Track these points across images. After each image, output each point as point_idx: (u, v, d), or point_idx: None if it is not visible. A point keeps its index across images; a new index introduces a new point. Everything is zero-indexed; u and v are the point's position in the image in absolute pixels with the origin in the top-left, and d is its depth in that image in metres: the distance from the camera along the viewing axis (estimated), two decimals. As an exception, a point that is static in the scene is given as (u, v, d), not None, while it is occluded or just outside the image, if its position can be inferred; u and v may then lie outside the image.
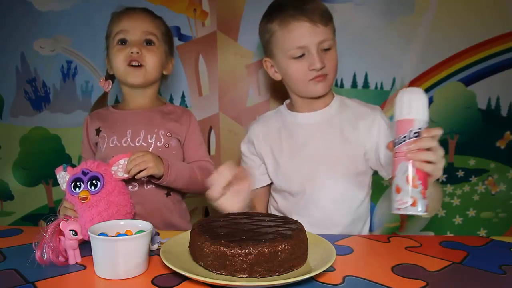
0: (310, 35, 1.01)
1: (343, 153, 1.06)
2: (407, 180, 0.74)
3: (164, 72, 1.19)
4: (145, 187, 1.07)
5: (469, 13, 1.44)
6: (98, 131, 1.11)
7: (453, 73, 1.48)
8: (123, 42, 1.09)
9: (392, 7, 1.44)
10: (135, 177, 0.95)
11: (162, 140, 1.09)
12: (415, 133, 0.75)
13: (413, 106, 0.76)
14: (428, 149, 0.74)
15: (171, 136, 1.11)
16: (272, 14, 1.06)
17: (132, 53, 1.07)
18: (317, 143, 1.08)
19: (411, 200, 0.73)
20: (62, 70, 1.48)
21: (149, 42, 1.10)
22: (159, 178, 1.01)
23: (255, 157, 1.16)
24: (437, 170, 0.76)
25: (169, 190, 1.10)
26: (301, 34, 1.01)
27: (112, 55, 1.10)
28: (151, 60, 1.09)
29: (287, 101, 1.19)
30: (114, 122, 1.12)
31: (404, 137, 0.76)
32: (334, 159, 1.06)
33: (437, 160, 0.75)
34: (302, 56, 1.03)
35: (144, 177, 0.99)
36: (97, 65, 1.47)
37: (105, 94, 1.21)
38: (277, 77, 1.12)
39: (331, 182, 1.05)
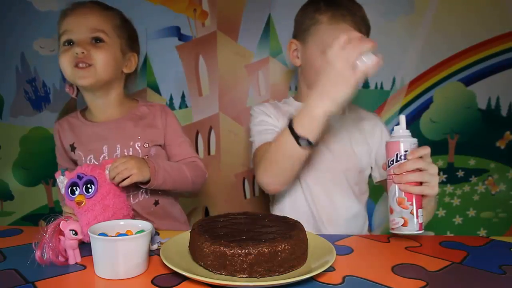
0: None
1: (350, 149, 1.08)
2: (397, 202, 0.79)
3: (124, 70, 1.08)
4: (132, 201, 1.03)
5: (469, 13, 1.44)
6: (72, 148, 1.05)
7: (453, 73, 1.48)
8: (69, 42, 0.99)
9: (392, 7, 1.44)
10: (119, 185, 0.89)
11: (140, 152, 1.04)
12: (401, 156, 0.79)
13: (401, 128, 0.82)
14: (417, 169, 0.77)
15: (149, 146, 1.04)
16: (323, 5, 1.04)
17: (77, 53, 0.97)
18: (326, 136, 1.08)
19: (402, 220, 0.78)
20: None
21: (97, 40, 1.00)
22: (146, 182, 0.96)
23: (276, 121, 1.10)
24: (429, 189, 0.79)
25: (157, 200, 1.06)
26: None
27: (59, 57, 1.00)
28: (101, 58, 0.99)
29: (293, 94, 1.19)
30: (87, 137, 1.05)
31: (392, 160, 0.80)
32: (339, 153, 1.08)
33: (428, 179, 0.78)
34: None
35: (135, 189, 0.96)
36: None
37: (72, 100, 1.13)
38: (296, 62, 1.11)
39: (334, 174, 1.07)
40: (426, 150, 0.80)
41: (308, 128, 0.83)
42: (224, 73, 1.49)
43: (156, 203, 1.06)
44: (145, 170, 0.93)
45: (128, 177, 0.89)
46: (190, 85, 1.49)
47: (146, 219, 1.04)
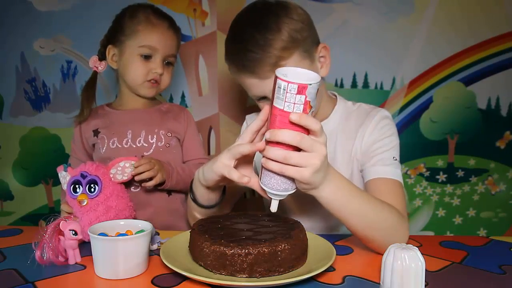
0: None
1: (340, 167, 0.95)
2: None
3: None
4: (147, 188, 1.06)
5: (469, 13, 1.44)
6: (96, 132, 1.10)
7: (453, 73, 1.48)
8: (147, 56, 1.08)
9: (392, 6, 1.44)
10: (142, 184, 0.99)
11: (163, 140, 1.10)
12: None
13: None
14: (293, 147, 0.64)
15: (171, 135, 1.11)
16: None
17: (155, 73, 1.08)
18: None
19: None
20: (62, 70, 1.48)
21: (169, 63, 1.11)
22: (161, 183, 1.03)
23: None
24: (295, 171, 0.64)
25: (169, 191, 1.10)
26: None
27: (132, 63, 1.08)
28: (166, 80, 1.12)
29: None
30: (112, 122, 1.11)
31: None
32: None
33: (298, 162, 0.64)
34: None
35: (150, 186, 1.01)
36: (97, 65, 1.47)
37: (95, 76, 1.14)
38: None
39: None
40: (317, 125, 0.62)
41: (195, 188, 0.83)
42: (224, 73, 1.48)
43: (169, 193, 1.11)
44: (163, 172, 1.01)
45: (152, 178, 0.98)
46: (190, 85, 1.50)
47: (157, 211, 1.07)
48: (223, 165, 0.71)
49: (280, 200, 0.69)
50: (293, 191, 0.68)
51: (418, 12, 1.44)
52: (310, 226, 0.94)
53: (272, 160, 0.63)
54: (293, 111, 0.60)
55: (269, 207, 0.70)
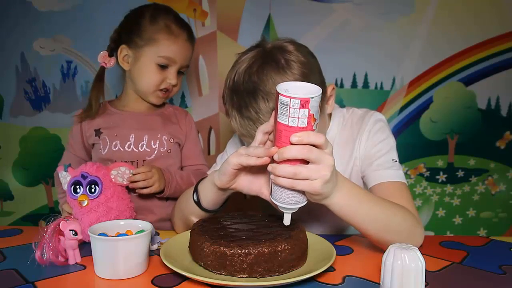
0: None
1: None
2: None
3: None
4: (141, 194, 1.05)
5: (469, 13, 1.44)
6: (98, 132, 1.09)
7: (453, 73, 1.48)
8: (164, 66, 1.06)
9: (392, 7, 1.44)
10: (136, 191, 0.98)
11: (165, 145, 1.09)
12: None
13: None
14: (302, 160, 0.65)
15: (173, 141, 1.11)
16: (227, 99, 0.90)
17: (169, 83, 1.07)
18: None
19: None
20: (62, 70, 1.48)
21: (180, 73, 1.11)
22: (159, 192, 1.03)
23: None
24: (305, 185, 0.65)
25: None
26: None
27: (147, 72, 1.06)
28: (177, 89, 1.11)
29: None
30: (115, 124, 1.09)
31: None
32: None
33: (307, 175, 0.64)
34: None
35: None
36: (97, 65, 1.46)
37: (103, 72, 1.12)
38: None
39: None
40: (321, 138, 0.63)
41: (203, 189, 0.82)
42: (224, 73, 1.47)
43: (167, 199, 1.10)
44: (162, 181, 1.02)
45: (148, 187, 0.98)
46: (190, 85, 1.49)
47: (158, 219, 1.06)
48: (239, 154, 0.70)
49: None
50: (305, 203, 0.68)
51: (418, 12, 1.44)
52: (319, 230, 0.95)
53: (282, 177, 0.64)
54: (298, 125, 0.61)
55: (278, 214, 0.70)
